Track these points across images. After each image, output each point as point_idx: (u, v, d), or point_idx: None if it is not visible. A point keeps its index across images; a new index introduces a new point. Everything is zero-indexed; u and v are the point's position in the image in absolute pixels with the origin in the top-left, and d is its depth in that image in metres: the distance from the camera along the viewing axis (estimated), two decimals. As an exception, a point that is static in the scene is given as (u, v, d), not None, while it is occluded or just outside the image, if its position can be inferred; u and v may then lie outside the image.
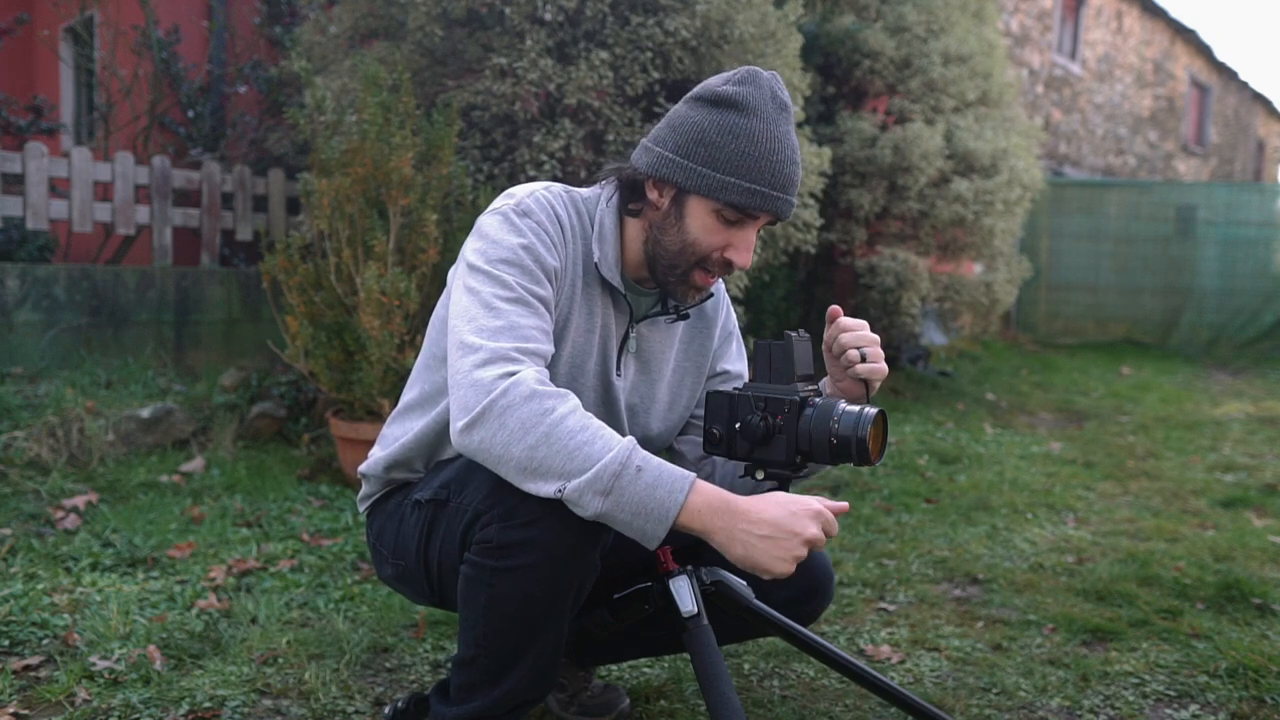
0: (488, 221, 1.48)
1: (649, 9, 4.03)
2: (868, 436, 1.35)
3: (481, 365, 1.32)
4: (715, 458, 1.65)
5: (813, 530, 1.29)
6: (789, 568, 1.28)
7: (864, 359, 1.48)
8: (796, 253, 5.43)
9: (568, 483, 1.26)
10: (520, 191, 1.51)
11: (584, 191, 1.60)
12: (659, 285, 1.55)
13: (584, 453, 1.26)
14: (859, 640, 2.36)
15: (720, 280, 1.75)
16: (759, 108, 1.44)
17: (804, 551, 1.28)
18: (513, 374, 1.31)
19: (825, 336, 1.53)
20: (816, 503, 1.31)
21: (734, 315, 1.79)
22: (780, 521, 1.28)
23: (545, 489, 1.28)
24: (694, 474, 1.30)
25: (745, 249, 1.48)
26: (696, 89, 1.50)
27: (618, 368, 1.59)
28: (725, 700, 1.38)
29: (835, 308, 1.52)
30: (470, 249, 1.47)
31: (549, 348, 1.41)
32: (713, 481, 1.69)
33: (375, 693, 1.99)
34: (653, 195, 1.50)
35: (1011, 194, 6.23)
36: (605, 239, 1.53)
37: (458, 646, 1.46)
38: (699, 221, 1.46)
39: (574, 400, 1.32)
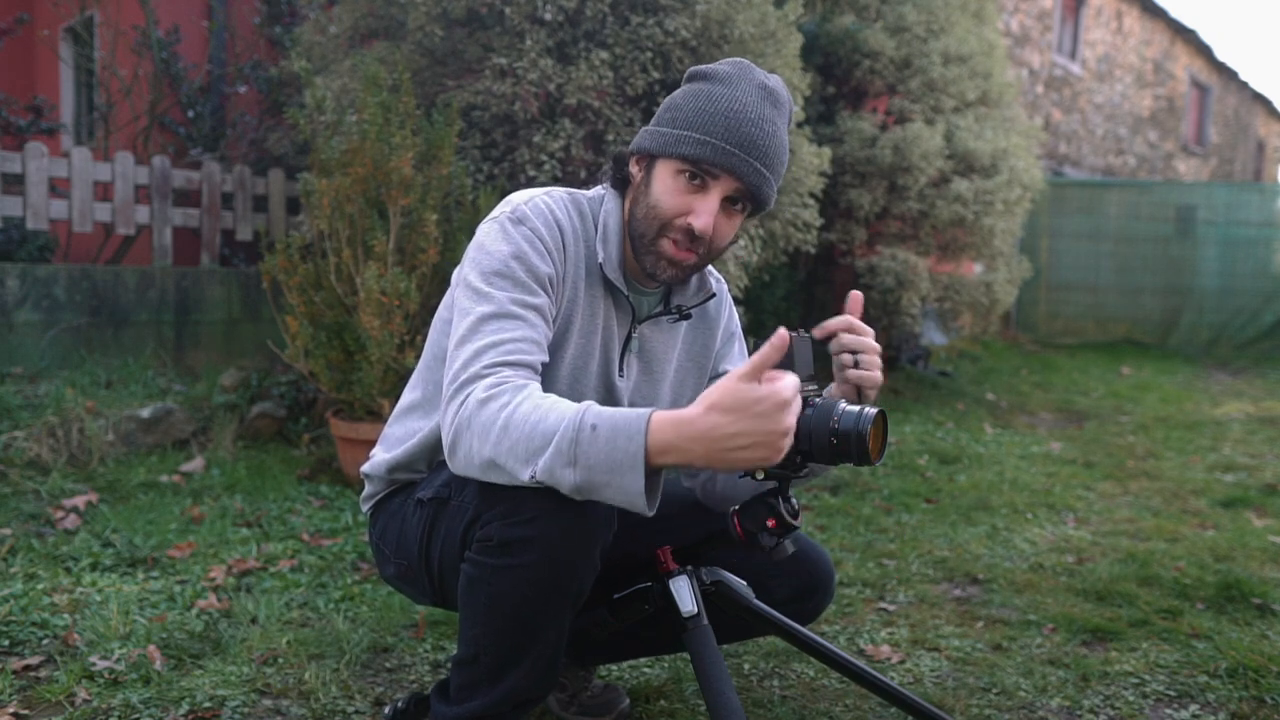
0: (484, 230, 1.49)
1: (649, 9, 4.03)
2: (868, 436, 1.35)
3: (454, 393, 1.35)
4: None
5: (788, 420, 1.21)
6: (779, 457, 1.23)
7: (856, 364, 1.47)
8: (796, 253, 5.43)
9: (536, 463, 1.25)
10: (517, 198, 1.52)
11: (588, 192, 1.60)
12: (638, 261, 1.53)
13: (539, 430, 1.26)
14: (859, 640, 2.36)
15: (723, 281, 1.75)
16: (732, 80, 1.46)
17: (786, 442, 1.22)
18: (470, 392, 1.33)
19: (826, 325, 1.51)
20: (784, 390, 1.21)
21: (737, 317, 1.79)
22: (753, 429, 1.20)
23: (521, 476, 1.27)
24: (650, 409, 1.25)
25: (706, 213, 1.45)
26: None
27: (621, 368, 1.60)
28: (725, 700, 1.37)
29: (854, 297, 1.50)
30: (468, 259, 1.48)
31: (537, 357, 1.41)
32: (714, 483, 1.69)
33: (375, 693, 1.99)
34: (634, 170, 1.54)
35: (1011, 194, 6.23)
36: (609, 239, 1.54)
37: (458, 646, 1.46)
38: (662, 183, 1.48)
39: (529, 389, 1.32)
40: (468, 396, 1.33)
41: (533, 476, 1.26)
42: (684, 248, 1.48)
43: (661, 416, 1.22)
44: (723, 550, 1.58)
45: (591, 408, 1.25)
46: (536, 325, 1.43)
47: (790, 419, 1.21)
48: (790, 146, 4.61)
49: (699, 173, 1.44)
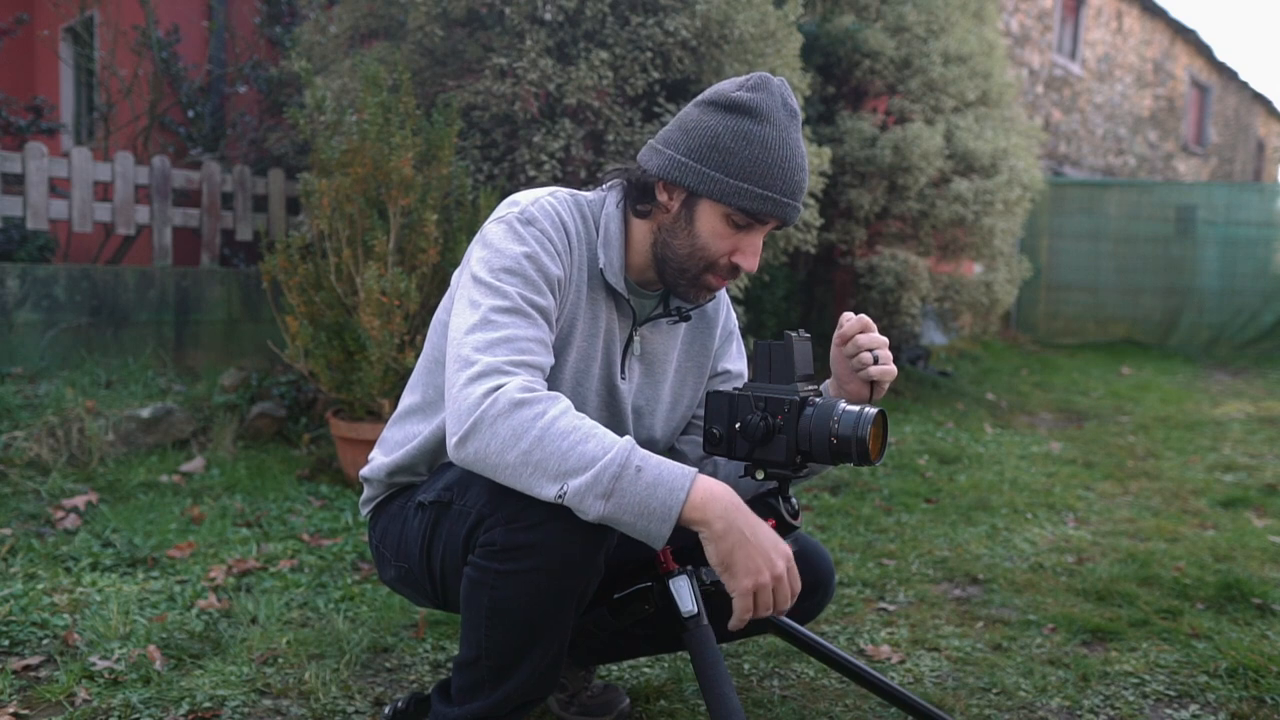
0: (492, 230, 1.48)
1: (649, 9, 4.03)
2: (868, 436, 1.35)
3: (474, 380, 1.33)
4: (717, 458, 1.66)
5: (780, 568, 1.32)
6: (750, 584, 1.30)
7: (876, 361, 1.50)
8: (796, 253, 5.43)
9: (567, 484, 1.26)
10: (525, 199, 1.51)
11: (588, 195, 1.60)
12: (668, 288, 1.56)
13: (578, 452, 1.27)
14: (859, 640, 2.36)
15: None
16: (772, 114, 1.45)
17: (767, 579, 1.30)
18: (500, 386, 1.31)
19: (836, 337, 1.54)
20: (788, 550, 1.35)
21: (734, 315, 1.79)
22: (768, 542, 1.31)
23: (546, 492, 1.28)
24: (695, 470, 1.30)
25: (753, 254, 1.50)
26: (708, 93, 1.50)
27: (622, 371, 1.60)
28: (725, 700, 1.37)
29: (848, 314, 1.55)
30: (475, 257, 1.47)
31: (546, 359, 1.41)
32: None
33: (375, 693, 1.99)
34: (663, 197, 1.51)
35: (1011, 194, 6.23)
36: (611, 244, 1.53)
37: (460, 648, 1.46)
38: (709, 225, 1.47)
39: (565, 402, 1.32)
40: (498, 391, 1.31)
41: (559, 495, 1.27)
42: (726, 279, 1.54)
43: (706, 478, 1.30)
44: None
45: (637, 447, 1.29)
46: (543, 327, 1.43)
47: (782, 569, 1.33)
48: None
49: (751, 221, 1.47)
